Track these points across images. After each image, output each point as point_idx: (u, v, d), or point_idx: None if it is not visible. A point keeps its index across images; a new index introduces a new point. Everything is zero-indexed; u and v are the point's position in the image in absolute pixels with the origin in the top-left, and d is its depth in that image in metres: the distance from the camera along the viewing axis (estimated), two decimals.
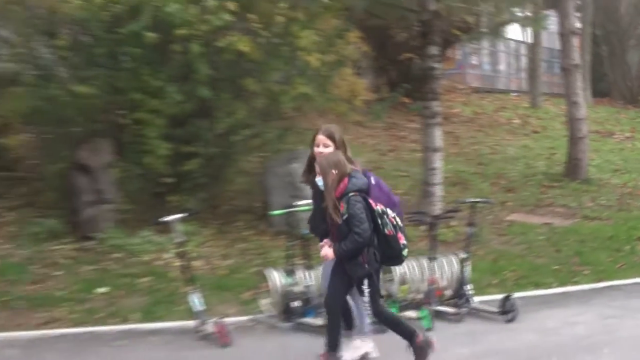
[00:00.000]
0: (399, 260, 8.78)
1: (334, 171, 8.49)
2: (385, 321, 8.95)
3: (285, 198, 13.31)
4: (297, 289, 10.92)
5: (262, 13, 14.33)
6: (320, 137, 9.09)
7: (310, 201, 10.56)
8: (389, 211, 8.59)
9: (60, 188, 14.38)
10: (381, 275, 9.68)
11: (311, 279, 10.94)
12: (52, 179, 14.73)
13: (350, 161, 8.83)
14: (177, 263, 11.40)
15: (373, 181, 8.95)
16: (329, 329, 8.77)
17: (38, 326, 11.14)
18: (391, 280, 11.25)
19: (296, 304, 10.86)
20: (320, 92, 15.02)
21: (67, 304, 11.66)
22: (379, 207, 8.50)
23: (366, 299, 8.60)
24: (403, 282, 11.40)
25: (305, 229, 10.71)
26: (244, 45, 13.90)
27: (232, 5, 13.69)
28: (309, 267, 10.97)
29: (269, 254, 13.65)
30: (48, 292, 12.13)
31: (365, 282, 8.55)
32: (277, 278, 10.99)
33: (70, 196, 13.96)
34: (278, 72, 14.96)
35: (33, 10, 14.62)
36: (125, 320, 11.23)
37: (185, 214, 10.98)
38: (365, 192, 8.53)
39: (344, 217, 8.37)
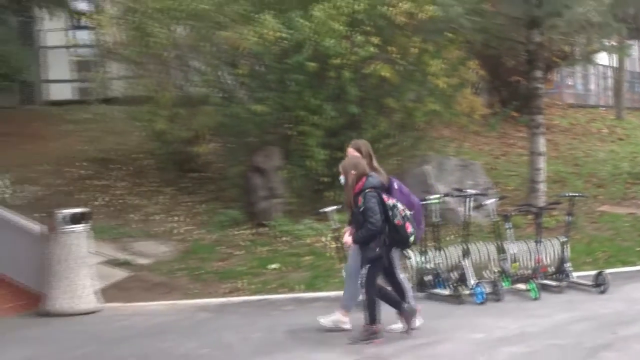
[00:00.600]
0: (406, 244, 8.76)
1: (353, 172, 8.55)
2: (367, 294, 8.68)
3: (419, 193, 13.31)
4: (429, 265, 11.07)
5: (399, 45, 14.38)
6: (350, 150, 9.19)
7: (439, 195, 10.78)
8: (399, 205, 8.55)
9: (240, 186, 14.65)
10: (493, 255, 9.76)
11: (440, 258, 11.09)
12: (234, 179, 15.02)
13: (375, 169, 8.87)
14: (333, 245, 11.67)
15: (396, 186, 8.99)
16: (366, 304, 8.68)
17: (224, 294, 11.55)
18: (504, 259, 11.31)
19: (428, 277, 11.04)
20: (446, 108, 15.04)
21: (246, 277, 12.03)
22: (390, 202, 8.50)
23: (363, 272, 8.55)
24: (514, 260, 11.43)
25: (435, 218, 10.90)
26: (385, 71, 14.02)
27: (375, 40, 13.83)
28: (438, 249, 11.09)
29: None
30: (232, 267, 12.50)
31: (367, 263, 8.53)
32: (413, 257, 11.14)
33: (248, 192, 14.24)
34: (412, 92, 15.00)
35: (219, 46, 14.91)
36: (292, 290, 11.53)
37: (339, 206, 11.19)
38: (379, 189, 8.50)
39: (361, 209, 8.41)
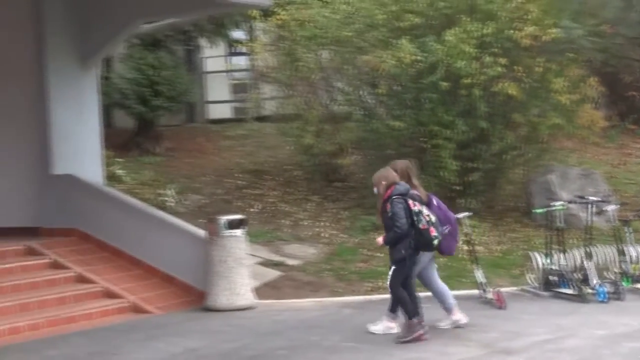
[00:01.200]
0: (430, 247, 8.80)
1: (383, 182, 8.78)
2: (395, 295, 8.87)
3: (543, 200, 13.23)
4: (554, 267, 10.97)
5: (525, 65, 14.23)
6: (389, 169, 9.25)
7: (562, 202, 10.68)
8: (425, 211, 8.68)
9: None
10: (614, 257, 9.67)
11: (564, 260, 10.96)
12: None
13: (414, 186, 9.00)
14: (465, 248, 11.66)
15: (435, 202, 9.16)
16: (401, 304, 8.84)
17: (366, 292, 11.66)
18: (625, 261, 11.12)
19: (554, 278, 10.93)
20: (568, 122, 14.78)
21: (386, 277, 11.91)
22: (416, 208, 8.63)
23: (390, 272, 8.79)
24: (636, 262, 11.23)
25: (559, 223, 10.79)
26: (512, 89, 13.87)
27: (503, 61, 13.73)
28: (562, 251, 10.98)
29: (532, 241, 13.49)
30: (372, 268, 12.53)
31: (394, 265, 8.71)
32: (539, 259, 11.06)
33: None
34: (537, 108, 14.77)
35: (360, 68, 15.01)
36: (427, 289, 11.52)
37: (470, 213, 11.18)
38: (406, 196, 8.63)
39: (389, 214, 8.57)
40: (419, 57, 13.79)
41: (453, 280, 11.71)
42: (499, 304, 10.31)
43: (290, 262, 12.89)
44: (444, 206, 9.34)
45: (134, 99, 16.89)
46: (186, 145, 18.10)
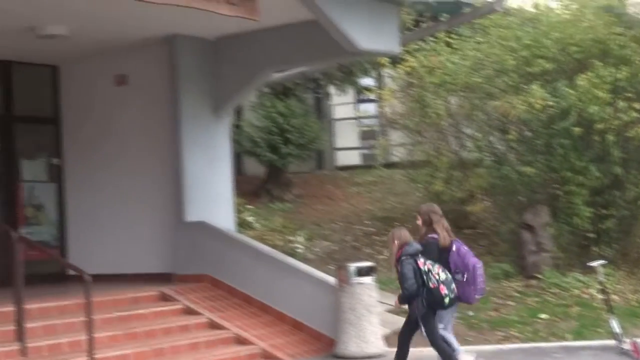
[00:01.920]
0: (441, 305, 8.92)
1: (396, 241, 9.03)
2: (438, 349, 9.05)
3: None
4: None
5: None
6: (416, 214, 9.63)
7: None
8: (435, 269, 8.84)
9: (511, 241, 14.49)
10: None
11: None
12: (505, 234, 14.85)
13: (435, 232, 9.22)
14: (600, 296, 11.42)
15: (454, 248, 9.18)
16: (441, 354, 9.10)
17: (498, 341, 11.48)
18: None
19: None
20: None
21: (517, 326, 11.88)
22: (425, 267, 8.83)
23: (424, 333, 9.03)
24: None
25: None
26: None
27: (637, 105, 13.48)
28: None
29: None
30: (504, 316, 12.36)
31: (420, 322, 8.95)
32: None
33: (518, 247, 14.07)
34: None
35: (490, 114, 14.95)
36: (561, 339, 11.31)
37: (604, 261, 10.95)
38: (415, 256, 8.87)
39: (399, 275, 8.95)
40: (550, 103, 13.67)
41: (588, 329, 11.54)
42: (636, 355, 10.00)
43: None
44: (464, 252, 9.31)
45: (264, 146, 17.20)
46: (315, 192, 18.29)
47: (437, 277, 8.84)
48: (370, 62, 17.48)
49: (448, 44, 15.77)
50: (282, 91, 17.99)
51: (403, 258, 8.91)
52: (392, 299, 12.81)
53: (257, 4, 10.21)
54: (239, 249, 12.59)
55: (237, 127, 16.74)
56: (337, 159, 21.24)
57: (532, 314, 12.35)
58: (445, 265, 9.13)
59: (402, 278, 8.87)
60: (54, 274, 13.46)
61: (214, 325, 11.45)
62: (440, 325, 9.39)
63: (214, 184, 13.35)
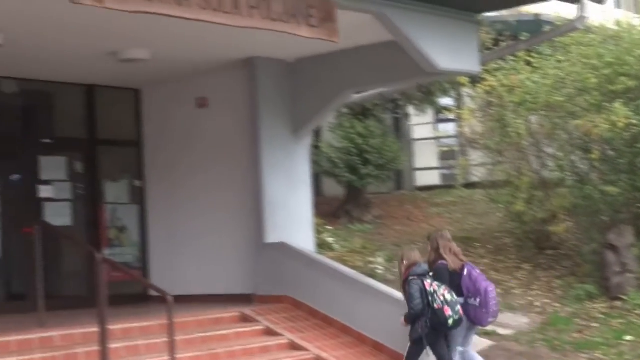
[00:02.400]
0: (445, 326, 9.13)
1: (405, 262, 9.44)
2: None
3: None
4: None
5: None
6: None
7: None
8: (441, 290, 9.13)
9: (594, 262, 14.25)
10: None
11: None
12: (588, 255, 14.60)
13: (439, 256, 9.58)
14: None
15: (465, 272, 9.42)
16: None
17: None
18: None
19: None
20: None
21: (602, 348, 11.68)
22: (431, 288, 9.14)
23: (407, 350, 9.47)
24: None
25: None
26: None
27: None
28: None
29: None
30: (588, 338, 12.15)
31: (426, 342, 9.31)
32: None
33: (602, 268, 13.86)
34: None
35: (572, 133, 14.77)
36: None
37: None
38: (423, 277, 9.22)
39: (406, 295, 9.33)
40: (633, 121, 13.44)
41: None
42: None
43: (502, 331, 12.70)
44: (476, 276, 9.51)
45: (343, 167, 17.24)
46: (395, 213, 18.25)
47: (442, 298, 9.12)
48: (450, 81, 17.44)
49: (528, 63, 15.65)
50: (361, 112, 18.04)
51: (410, 278, 9.28)
52: None
53: (337, 25, 10.28)
54: (318, 270, 12.64)
55: (315, 148, 16.81)
56: (416, 179, 21.18)
57: (617, 336, 12.13)
58: (458, 289, 9.38)
59: (409, 298, 9.25)
60: (137, 294, 13.71)
61: (294, 347, 11.49)
62: (460, 348, 9.69)
63: (294, 205, 13.44)
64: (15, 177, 14.03)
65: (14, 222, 13.34)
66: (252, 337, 11.63)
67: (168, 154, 14.32)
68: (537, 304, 13.77)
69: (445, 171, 21.54)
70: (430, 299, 9.12)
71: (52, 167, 13.95)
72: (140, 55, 12.19)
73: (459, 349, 9.69)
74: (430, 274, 9.52)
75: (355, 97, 15.73)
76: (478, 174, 17.20)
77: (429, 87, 17.79)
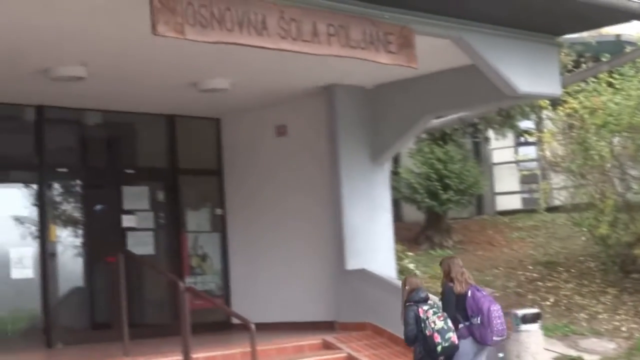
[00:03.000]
0: (434, 352, 9.15)
1: (407, 287, 9.54)
2: None
3: None
4: None
5: None
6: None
7: None
8: (432, 317, 9.18)
9: None
10: None
11: None
12: None
13: (450, 280, 9.66)
14: None
15: (469, 294, 9.50)
16: None
17: None
18: None
19: None
20: None
21: None
22: (424, 315, 9.19)
23: None
24: None
25: None
26: None
27: None
28: None
29: None
30: None
31: None
32: None
33: None
34: None
35: None
36: None
37: None
38: (420, 303, 9.29)
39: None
40: None
41: None
42: None
43: (588, 357, 12.55)
44: (479, 297, 9.59)
45: (423, 193, 17.19)
46: (476, 238, 18.13)
47: (432, 325, 9.21)
48: (530, 104, 17.26)
49: (610, 84, 15.43)
50: (440, 137, 17.97)
51: (407, 304, 9.44)
52: (560, 346, 12.66)
53: (415, 51, 10.26)
54: (400, 297, 12.55)
55: (395, 174, 16.77)
56: (497, 203, 20.99)
57: None
58: (464, 311, 9.58)
59: (404, 323, 9.42)
60: (219, 322, 13.77)
61: None
62: None
63: (374, 231, 13.40)
64: (99, 207, 14.29)
65: (98, 251, 13.59)
66: None
67: (248, 183, 14.42)
68: (624, 328, 13.56)
69: (526, 195, 21.33)
70: (422, 325, 9.28)
71: (135, 196, 14.16)
72: (220, 85, 12.33)
73: None
74: (433, 298, 9.71)
75: (435, 122, 15.66)
76: (560, 198, 16.98)
77: (508, 110, 17.63)
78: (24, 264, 12.85)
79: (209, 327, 12.82)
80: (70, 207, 13.94)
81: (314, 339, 12.07)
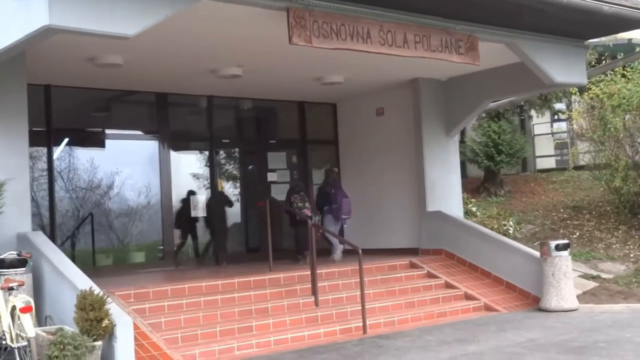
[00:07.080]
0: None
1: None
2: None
3: None
4: None
5: None
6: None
7: None
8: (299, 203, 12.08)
9: None
10: None
11: None
12: None
13: (328, 184, 12.70)
14: None
15: (332, 191, 12.52)
16: None
17: None
18: None
19: None
20: None
21: None
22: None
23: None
24: None
25: None
26: None
27: None
28: None
29: None
30: None
31: None
32: None
33: None
34: None
35: None
36: None
37: None
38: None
39: None
40: None
41: None
42: None
43: (605, 275, 12.20)
44: (335, 192, 12.44)
45: (482, 156, 16.94)
46: (521, 189, 17.74)
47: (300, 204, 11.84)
48: (563, 91, 16.73)
49: (623, 75, 14.85)
50: (496, 115, 17.62)
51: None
52: (583, 268, 12.33)
53: (478, 53, 10.12)
54: (466, 230, 12.46)
55: (462, 142, 16.53)
56: (537, 164, 20.40)
57: None
58: (329, 200, 12.36)
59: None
60: None
61: (448, 286, 11.39)
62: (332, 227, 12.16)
63: (447, 184, 13.29)
64: (251, 167, 14.50)
65: (251, 198, 13.80)
66: (418, 279, 11.59)
67: (355, 149, 14.42)
68: (632, 255, 13.10)
69: (559, 157, 20.65)
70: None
71: (276, 160, 14.31)
72: (336, 80, 12.32)
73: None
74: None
75: (491, 104, 15.33)
76: (585, 159, 16.41)
77: (547, 95, 17.14)
78: (199, 207, 13.17)
79: (328, 252, 12.92)
80: (231, 167, 14.19)
81: (403, 260, 12.08)
